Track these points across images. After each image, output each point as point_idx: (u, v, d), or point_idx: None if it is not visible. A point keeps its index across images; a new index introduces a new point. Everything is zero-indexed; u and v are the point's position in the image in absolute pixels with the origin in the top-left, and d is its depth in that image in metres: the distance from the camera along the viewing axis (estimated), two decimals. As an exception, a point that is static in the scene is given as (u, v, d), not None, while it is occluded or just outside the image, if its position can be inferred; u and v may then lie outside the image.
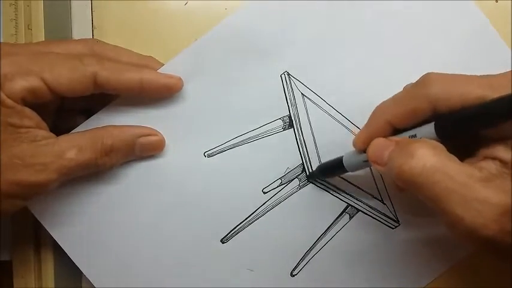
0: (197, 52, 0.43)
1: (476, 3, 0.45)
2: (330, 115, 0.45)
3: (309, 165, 0.44)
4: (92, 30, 0.46)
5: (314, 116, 0.44)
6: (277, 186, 0.44)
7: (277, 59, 0.44)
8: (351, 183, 0.44)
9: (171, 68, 0.42)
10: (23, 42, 0.45)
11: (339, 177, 0.44)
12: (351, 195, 0.44)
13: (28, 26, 0.45)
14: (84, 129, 0.40)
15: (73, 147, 0.37)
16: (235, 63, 0.44)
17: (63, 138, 0.38)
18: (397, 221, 0.44)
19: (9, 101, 0.34)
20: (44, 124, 0.37)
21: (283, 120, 0.44)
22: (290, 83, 0.44)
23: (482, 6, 0.45)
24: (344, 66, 0.45)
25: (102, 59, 0.39)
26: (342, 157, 0.39)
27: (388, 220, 0.44)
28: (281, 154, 0.44)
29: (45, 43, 0.41)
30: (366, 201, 0.44)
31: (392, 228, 0.44)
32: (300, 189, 0.44)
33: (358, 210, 0.44)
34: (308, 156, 0.44)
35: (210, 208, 0.44)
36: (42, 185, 0.36)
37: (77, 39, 0.45)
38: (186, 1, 0.47)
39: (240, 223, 0.44)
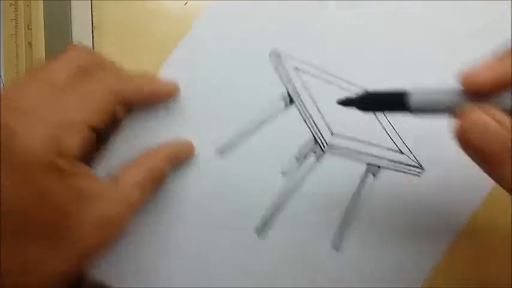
0: (189, 47, 0.44)
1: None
2: (328, 82, 0.44)
3: (319, 135, 0.43)
4: (92, 31, 0.46)
5: (313, 87, 0.44)
6: (294, 165, 0.44)
7: (268, 41, 0.45)
8: (365, 142, 0.44)
9: (167, 71, 0.43)
10: (23, 42, 0.45)
11: (350, 138, 0.44)
12: (369, 155, 0.44)
13: (28, 26, 0.45)
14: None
15: (135, 187, 0.33)
16: (227, 49, 0.44)
17: (122, 179, 0.33)
18: (421, 167, 0.44)
19: (68, 165, 0.29)
20: (93, 173, 0.33)
21: (283, 99, 0.44)
22: (280, 59, 0.44)
23: (483, 7, 0.46)
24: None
25: (121, 77, 0.36)
26: (404, 92, 0.28)
27: (411, 169, 0.44)
28: (290, 132, 0.44)
29: (58, 83, 0.32)
30: (384, 155, 0.44)
31: (419, 176, 0.44)
32: (318, 162, 0.44)
33: (380, 167, 0.44)
34: (317, 126, 0.44)
35: (238, 201, 0.43)
36: (117, 237, 0.34)
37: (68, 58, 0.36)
38: (185, 1, 0.47)
39: (270, 210, 0.44)
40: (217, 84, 0.44)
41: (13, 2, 0.45)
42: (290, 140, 0.44)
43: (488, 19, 0.45)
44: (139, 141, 0.41)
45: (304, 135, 0.44)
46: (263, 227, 0.44)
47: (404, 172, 0.44)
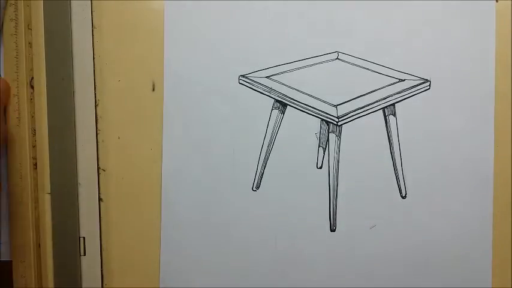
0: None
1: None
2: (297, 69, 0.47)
3: (327, 115, 0.44)
4: (92, 30, 0.46)
5: (290, 82, 0.46)
6: (323, 153, 0.46)
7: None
8: (367, 94, 0.46)
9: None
10: (23, 42, 0.45)
11: (353, 99, 0.45)
12: (378, 101, 0.45)
13: (28, 25, 0.45)
14: None
15: None
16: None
17: None
18: (427, 80, 0.46)
19: None
20: None
21: (276, 107, 0.46)
22: (250, 78, 0.46)
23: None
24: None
25: None
26: None
27: (420, 87, 0.46)
28: (302, 133, 0.46)
29: None
30: (390, 92, 0.45)
31: (429, 89, 0.46)
32: (340, 135, 0.46)
33: (394, 104, 0.46)
34: (320, 110, 0.45)
35: (302, 212, 0.47)
36: None
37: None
38: (185, 1, 0.47)
39: (330, 203, 0.47)
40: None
41: (13, 2, 0.45)
42: (306, 137, 0.46)
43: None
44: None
45: (314, 125, 0.46)
46: (334, 222, 0.47)
47: (417, 93, 0.46)
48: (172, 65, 0.46)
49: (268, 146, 0.46)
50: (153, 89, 0.47)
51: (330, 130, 0.45)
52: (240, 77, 0.46)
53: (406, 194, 0.47)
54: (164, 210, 0.47)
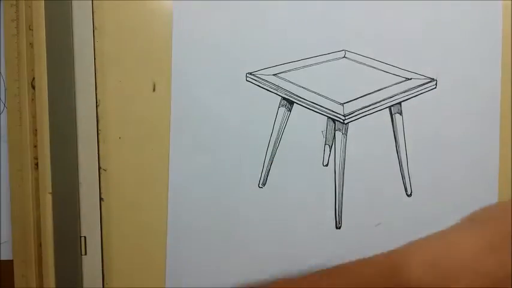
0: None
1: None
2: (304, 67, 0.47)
3: (334, 113, 0.44)
4: (93, 31, 0.46)
5: (297, 80, 0.46)
6: (329, 151, 0.46)
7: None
8: (374, 92, 0.45)
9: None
10: (24, 42, 0.45)
11: (359, 97, 0.45)
12: (384, 99, 0.45)
13: (29, 26, 0.45)
14: None
15: None
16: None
17: None
18: (433, 79, 0.46)
19: None
20: None
21: (283, 105, 0.46)
22: (257, 76, 0.46)
23: (483, 7, 0.46)
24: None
25: None
26: None
27: (426, 86, 0.46)
28: (308, 130, 0.46)
29: None
30: (397, 91, 0.45)
31: (435, 88, 0.46)
32: (346, 133, 0.46)
33: (400, 103, 0.46)
34: (327, 108, 0.45)
35: (307, 208, 0.47)
36: None
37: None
38: (187, 1, 0.47)
39: (336, 200, 0.46)
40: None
41: (14, 3, 0.45)
42: (313, 133, 0.46)
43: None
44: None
45: (321, 123, 0.46)
46: (340, 219, 0.47)
47: (423, 92, 0.46)
48: (180, 64, 0.46)
49: (274, 143, 0.46)
50: (154, 90, 0.47)
51: (336, 128, 0.45)
52: (248, 75, 0.46)
53: (411, 192, 0.46)
54: (171, 209, 0.46)
